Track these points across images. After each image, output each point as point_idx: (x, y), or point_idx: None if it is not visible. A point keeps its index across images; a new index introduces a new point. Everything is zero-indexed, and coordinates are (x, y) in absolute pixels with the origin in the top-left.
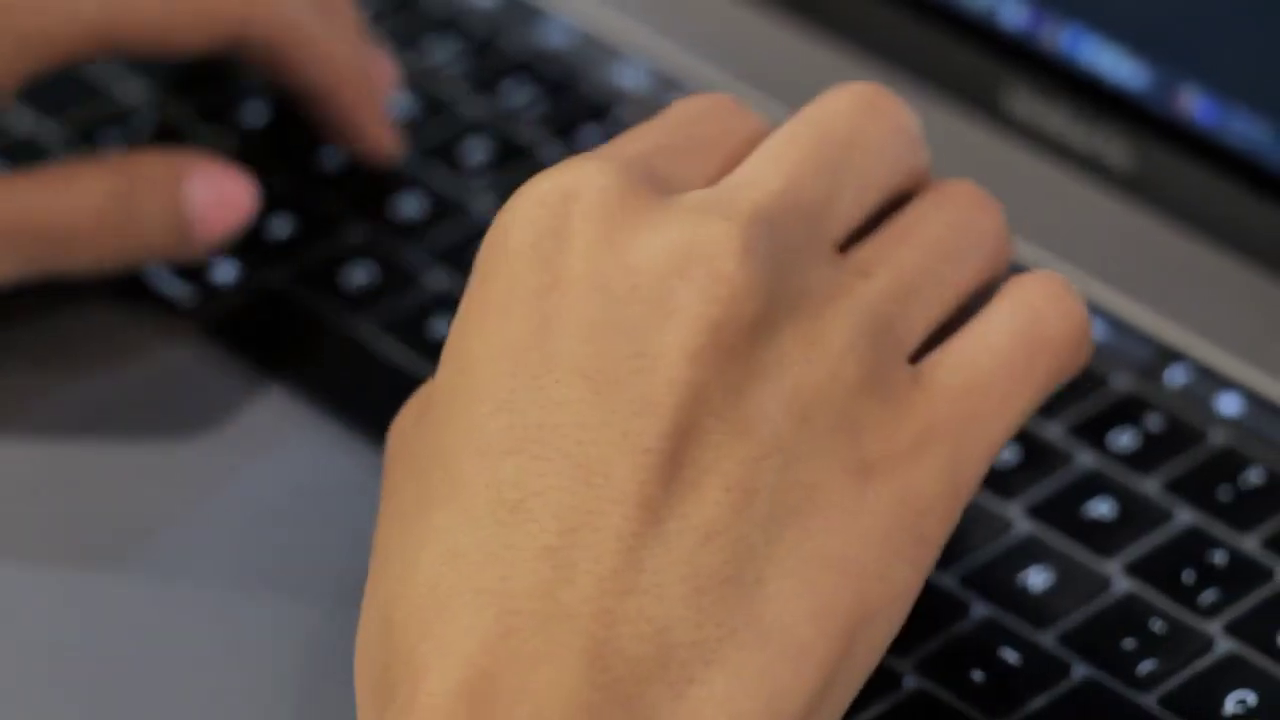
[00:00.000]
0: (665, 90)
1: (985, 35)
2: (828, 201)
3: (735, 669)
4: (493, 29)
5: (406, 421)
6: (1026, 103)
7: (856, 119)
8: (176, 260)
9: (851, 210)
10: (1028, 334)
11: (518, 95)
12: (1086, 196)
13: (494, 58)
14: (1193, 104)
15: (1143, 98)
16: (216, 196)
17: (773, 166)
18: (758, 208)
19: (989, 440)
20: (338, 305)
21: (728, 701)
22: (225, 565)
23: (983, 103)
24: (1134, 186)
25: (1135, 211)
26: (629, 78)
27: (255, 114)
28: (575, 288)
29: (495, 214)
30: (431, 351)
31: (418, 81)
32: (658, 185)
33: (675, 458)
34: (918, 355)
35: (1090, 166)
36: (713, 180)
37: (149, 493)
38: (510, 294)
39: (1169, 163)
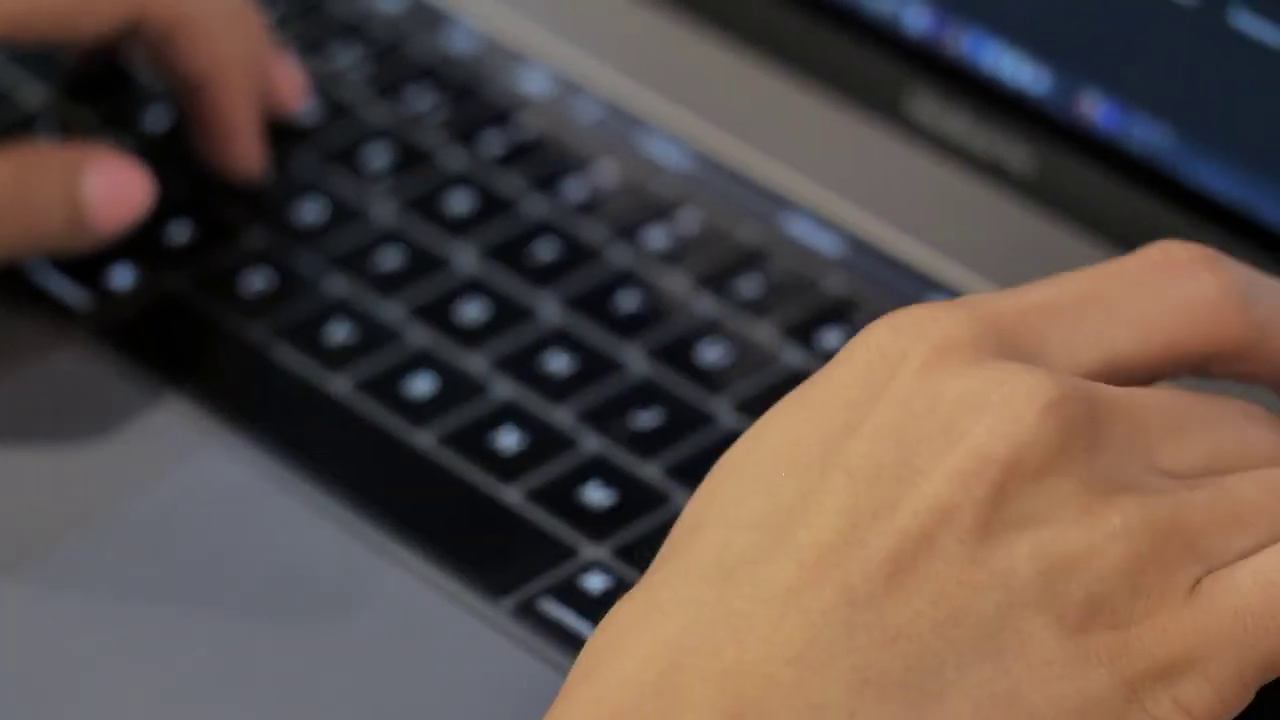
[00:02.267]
0: (568, 94)
1: (888, 40)
2: (1173, 435)
3: None
4: (398, 34)
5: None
6: (929, 107)
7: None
8: (69, 251)
9: (1187, 452)
10: None
11: (420, 100)
12: (988, 201)
13: (398, 62)
14: (1093, 109)
15: (1044, 103)
16: (113, 187)
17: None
18: (1090, 392)
19: (1241, 672)
20: (235, 311)
21: None
22: (117, 575)
23: (886, 107)
24: (1035, 191)
25: (1036, 216)
26: (532, 83)
27: (156, 119)
28: (882, 403)
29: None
30: (328, 357)
31: (321, 86)
32: (1014, 346)
33: (900, 563)
34: None
35: (992, 171)
36: (1090, 363)
37: (39, 501)
38: (828, 396)
39: (1069, 167)
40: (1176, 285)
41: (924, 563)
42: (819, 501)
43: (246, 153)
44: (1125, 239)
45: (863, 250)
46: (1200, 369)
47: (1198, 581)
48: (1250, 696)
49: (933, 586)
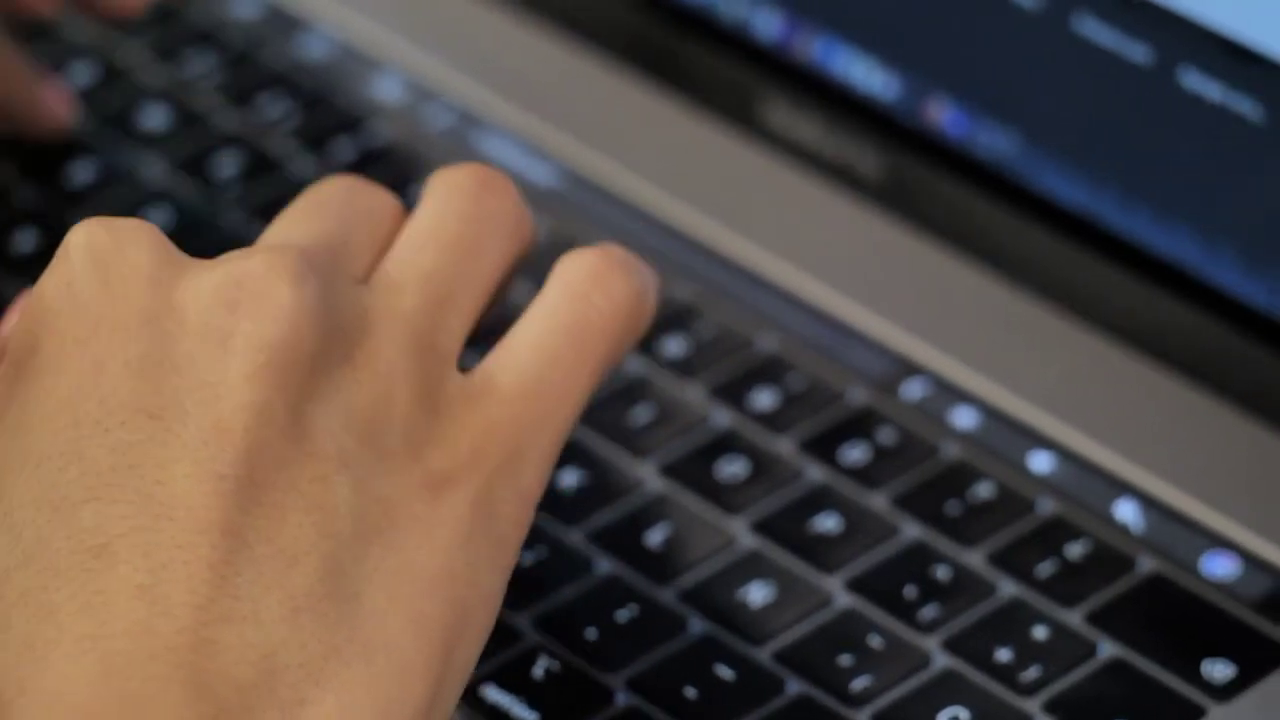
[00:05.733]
0: (421, 101)
1: (740, 47)
2: (344, 240)
3: (344, 686)
4: (252, 41)
5: None
6: (781, 114)
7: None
8: None
9: (365, 242)
10: (574, 323)
11: (273, 108)
12: (839, 207)
13: (251, 70)
14: (941, 115)
15: (893, 109)
16: None
17: (295, 224)
18: (293, 248)
19: (548, 438)
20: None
21: (340, 719)
22: None
23: (738, 114)
24: (885, 198)
25: (886, 223)
26: (385, 90)
27: None
28: (121, 329)
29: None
30: None
31: (174, 94)
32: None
33: (252, 480)
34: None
35: (843, 178)
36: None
37: None
38: (58, 349)
39: (919, 174)
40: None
41: (273, 474)
42: (147, 452)
43: (52, 116)
44: (974, 244)
45: (713, 259)
46: None
47: (471, 377)
48: (559, 453)
49: (293, 493)
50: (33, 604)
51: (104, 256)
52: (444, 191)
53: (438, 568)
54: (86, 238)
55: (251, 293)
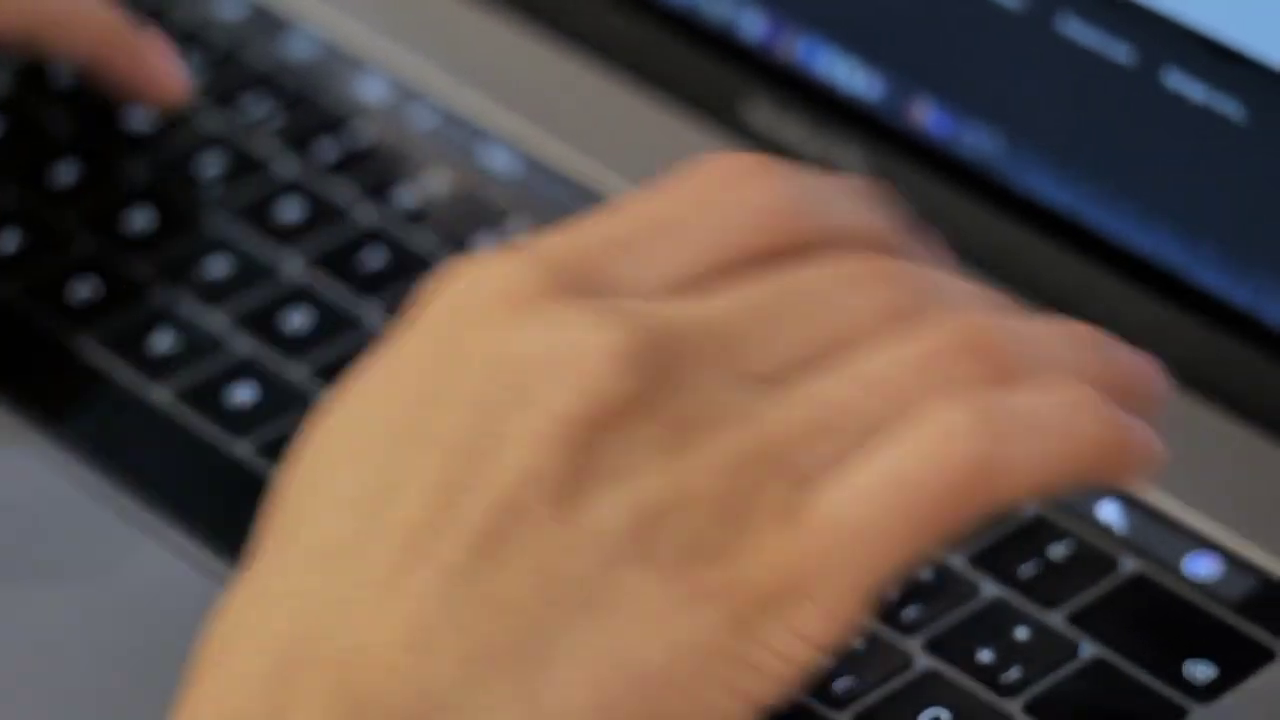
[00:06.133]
0: (405, 101)
1: (724, 46)
2: (759, 336)
3: None
4: (237, 41)
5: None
6: (765, 114)
7: (830, 270)
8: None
9: (781, 348)
10: (940, 482)
11: (257, 108)
12: None
13: (235, 70)
14: (925, 115)
15: (877, 109)
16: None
17: (707, 299)
18: (665, 326)
19: (849, 585)
20: (61, 319)
21: None
22: None
23: (722, 114)
24: None
25: None
26: (369, 90)
27: None
28: (454, 369)
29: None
30: (150, 366)
31: None
32: (582, 284)
33: (493, 534)
34: None
35: None
36: (660, 280)
37: None
38: (404, 363)
39: (902, 173)
40: (735, 195)
41: (516, 531)
42: (406, 479)
43: (165, 90)
44: (957, 244)
45: None
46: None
47: (793, 501)
48: (866, 608)
49: (528, 554)
50: (248, 590)
51: (477, 296)
52: (906, 324)
53: (654, 665)
54: (470, 274)
55: (576, 357)
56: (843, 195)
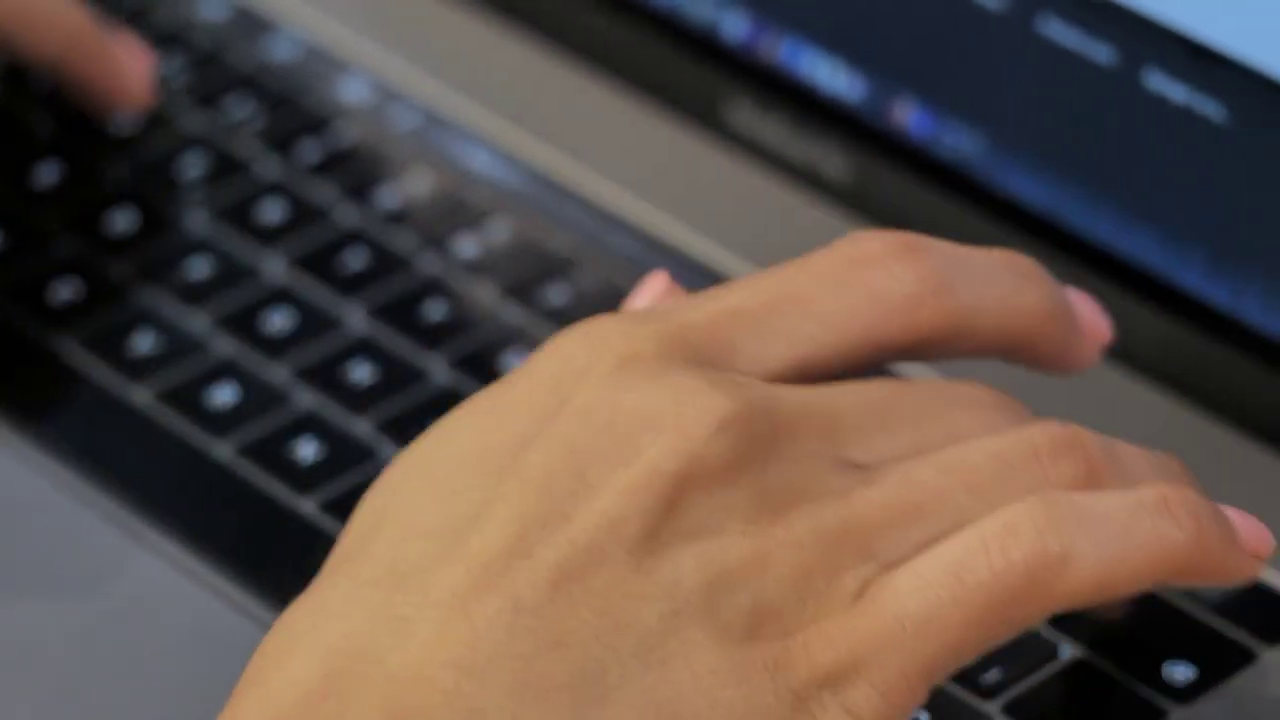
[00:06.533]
0: (387, 102)
1: (706, 47)
2: (864, 429)
3: None
4: (219, 42)
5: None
6: (746, 115)
7: (948, 390)
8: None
9: (882, 443)
10: (1004, 584)
11: (239, 109)
12: (805, 209)
13: (218, 71)
14: (906, 116)
15: (858, 110)
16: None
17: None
18: (772, 403)
19: (899, 671)
20: (41, 320)
21: None
22: None
23: (704, 115)
24: (850, 199)
25: (851, 224)
26: (352, 91)
27: None
28: (562, 414)
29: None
30: (130, 367)
31: None
32: (702, 354)
33: (569, 572)
34: None
35: (809, 179)
36: (782, 365)
37: None
38: (513, 403)
39: (884, 175)
40: (870, 278)
41: (591, 573)
42: (492, 509)
43: (127, 94)
44: None
45: (679, 260)
46: (909, 357)
47: (868, 584)
48: (921, 698)
49: (599, 596)
50: (311, 600)
51: (600, 354)
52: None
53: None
54: (600, 331)
55: (682, 421)
56: (989, 272)
